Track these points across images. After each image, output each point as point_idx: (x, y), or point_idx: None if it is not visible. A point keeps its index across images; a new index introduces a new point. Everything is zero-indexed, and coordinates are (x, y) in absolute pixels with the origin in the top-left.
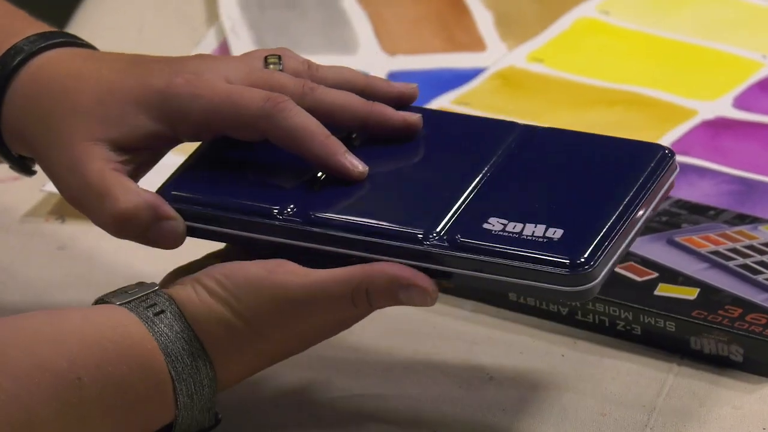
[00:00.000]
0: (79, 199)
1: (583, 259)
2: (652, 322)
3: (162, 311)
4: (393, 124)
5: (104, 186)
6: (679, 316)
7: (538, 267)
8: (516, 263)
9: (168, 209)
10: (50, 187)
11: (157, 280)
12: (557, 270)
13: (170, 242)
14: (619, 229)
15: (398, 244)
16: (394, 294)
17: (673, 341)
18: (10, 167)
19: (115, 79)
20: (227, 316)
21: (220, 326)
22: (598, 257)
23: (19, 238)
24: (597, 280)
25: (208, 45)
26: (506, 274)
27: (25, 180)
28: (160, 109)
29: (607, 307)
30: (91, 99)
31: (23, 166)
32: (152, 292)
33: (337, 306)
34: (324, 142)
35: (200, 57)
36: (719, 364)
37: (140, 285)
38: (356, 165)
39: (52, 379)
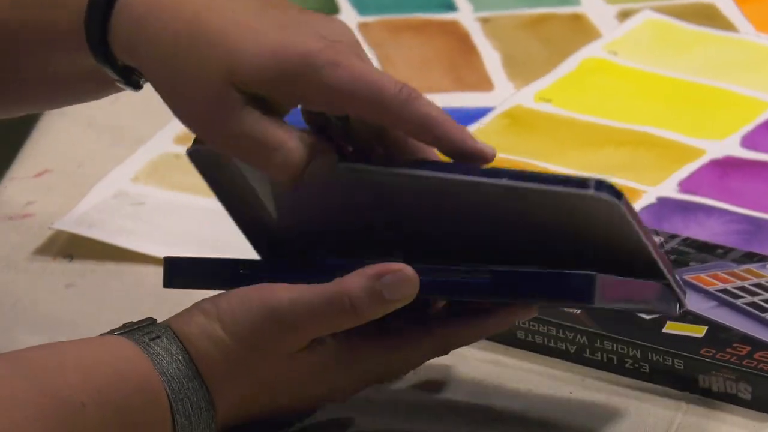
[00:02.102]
0: (208, 128)
1: None
2: (661, 360)
3: (158, 336)
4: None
5: (262, 134)
6: (687, 354)
7: None
8: None
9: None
10: (59, 224)
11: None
12: None
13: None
14: None
15: None
16: (375, 292)
17: (682, 379)
18: (116, 82)
19: (252, 22)
20: (220, 333)
21: (213, 345)
22: None
23: (27, 276)
24: None
25: None
26: None
27: (34, 217)
28: (294, 73)
29: (615, 345)
30: (226, 34)
31: (129, 81)
32: (150, 323)
33: (322, 316)
34: (457, 127)
35: (328, 19)
36: (728, 401)
37: (140, 321)
38: (489, 147)
39: (57, 406)
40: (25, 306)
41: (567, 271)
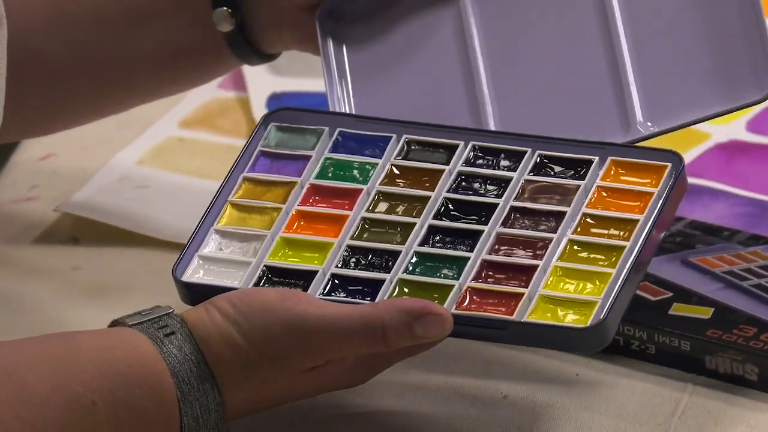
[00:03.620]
0: None
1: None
2: (667, 342)
3: (172, 332)
4: None
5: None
6: (693, 336)
7: None
8: None
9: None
10: (64, 207)
11: (171, 302)
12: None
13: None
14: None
15: None
16: (410, 327)
17: (688, 360)
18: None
19: None
20: (235, 336)
21: (228, 347)
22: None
23: (33, 259)
24: None
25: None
26: None
27: (40, 200)
28: None
29: (621, 327)
30: None
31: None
32: (165, 314)
33: (350, 341)
34: None
35: None
36: (734, 383)
37: (155, 308)
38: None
39: (68, 404)
40: (31, 288)
41: (567, 326)
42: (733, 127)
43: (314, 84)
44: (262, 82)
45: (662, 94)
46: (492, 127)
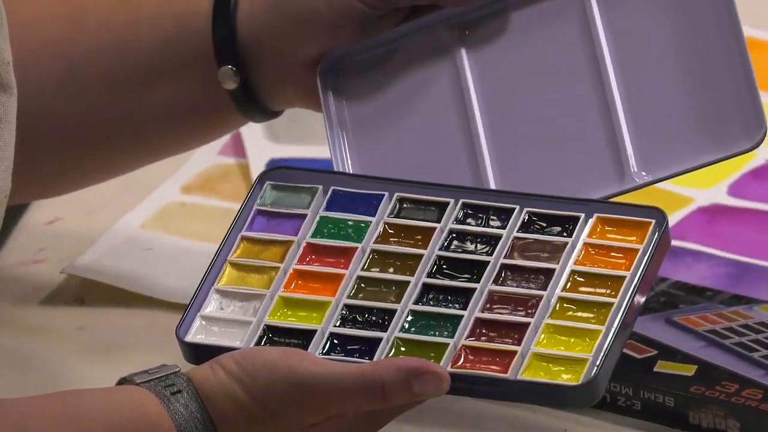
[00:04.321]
0: None
1: None
2: (652, 398)
3: (179, 391)
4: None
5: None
6: (678, 392)
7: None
8: None
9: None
10: (70, 270)
11: (174, 361)
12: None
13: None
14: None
15: None
16: (408, 385)
17: (673, 416)
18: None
19: None
20: (240, 394)
21: (232, 405)
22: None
23: (40, 319)
24: None
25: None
26: None
27: (47, 262)
28: None
29: (608, 383)
30: None
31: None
32: (172, 373)
33: (350, 399)
34: None
35: None
36: None
37: (162, 367)
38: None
39: None
40: (37, 347)
41: (560, 383)
42: (715, 192)
43: (311, 150)
44: (261, 148)
45: (655, 144)
46: (491, 180)
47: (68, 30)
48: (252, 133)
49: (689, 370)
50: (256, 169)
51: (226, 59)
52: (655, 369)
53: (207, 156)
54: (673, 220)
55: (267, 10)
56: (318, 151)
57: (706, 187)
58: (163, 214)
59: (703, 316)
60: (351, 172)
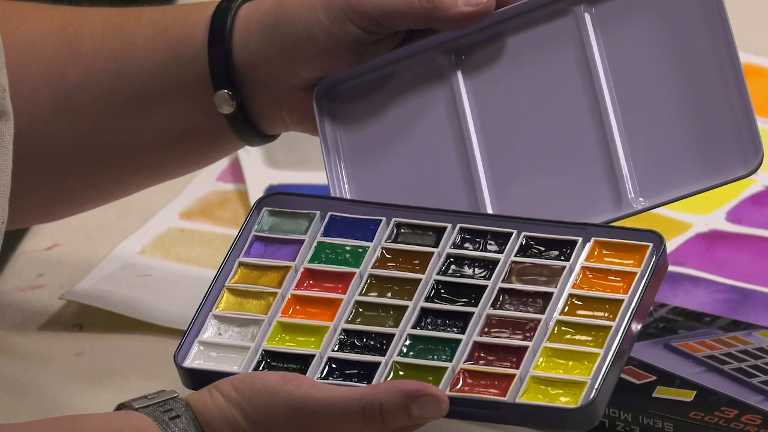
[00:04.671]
0: None
1: None
2: (651, 423)
3: (178, 416)
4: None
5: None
6: (676, 417)
7: None
8: None
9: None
10: (69, 296)
11: (172, 387)
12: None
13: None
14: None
15: None
16: (406, 408)
17: None
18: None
19: None
20: (238, 419)
21: (231, 430)
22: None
23: (38, 345)
24: None
25: (219, 164)
26: None
27: (46, 288)
28: None
29: (607, 409)
30: None
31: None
32: (171, 398)
33: (349, 422)
34: None
35: None
36: None
37: (161, 392)
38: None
39: None
40: (35, 373)
41: (559, 406)
42: (714, 217)
43: (309, 176)
44: (260, 174)
45: (652, 170)
46: (488, 205)
47: (64, 55)
48: (250, 159)
49: (688, 396)
50: (255, 195)
51: (221, 84)
52: (654, 394)
53: (206, 182)
54: (671, 245)
55: (262, 35)
56: (317, 177)
57: (704, 213)
58: (163, 240)
59: (701, 341)
60: (348, 197)
